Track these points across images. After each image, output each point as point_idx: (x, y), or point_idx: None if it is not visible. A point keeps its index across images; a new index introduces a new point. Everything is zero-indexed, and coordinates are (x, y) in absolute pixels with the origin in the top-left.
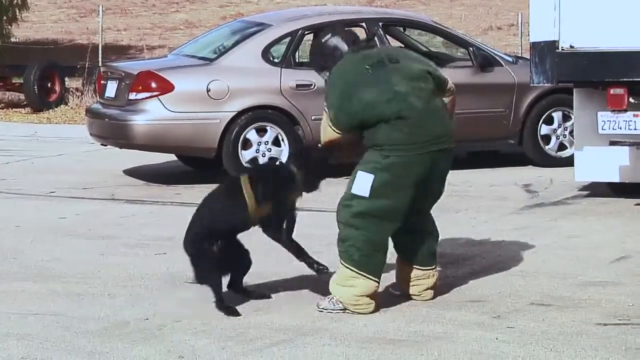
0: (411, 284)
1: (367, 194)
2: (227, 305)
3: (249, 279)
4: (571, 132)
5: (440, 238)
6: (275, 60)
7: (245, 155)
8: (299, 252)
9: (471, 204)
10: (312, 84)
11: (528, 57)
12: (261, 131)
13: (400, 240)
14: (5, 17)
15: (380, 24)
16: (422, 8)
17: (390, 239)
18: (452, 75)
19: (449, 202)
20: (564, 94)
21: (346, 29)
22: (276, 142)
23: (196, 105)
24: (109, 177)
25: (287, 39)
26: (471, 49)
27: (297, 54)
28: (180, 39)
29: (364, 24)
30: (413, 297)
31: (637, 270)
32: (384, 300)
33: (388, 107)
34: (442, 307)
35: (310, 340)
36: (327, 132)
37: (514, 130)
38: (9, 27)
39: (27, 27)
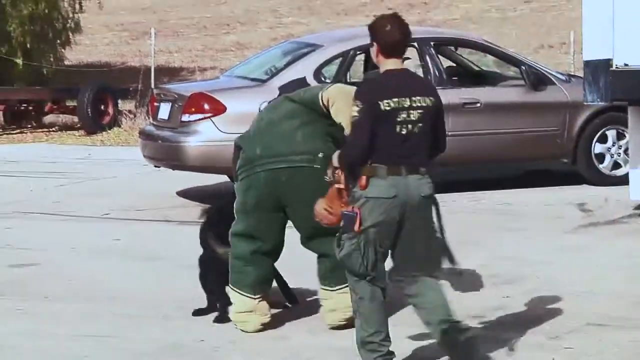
0: (321, 304)
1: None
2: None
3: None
4: (625, 151)
5: (493, 256)
6: (327, 80)
7: None
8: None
9: (525, 222)
10: None
11: (580, 75)
12: None
13: None
14: (58, 41)
15: (432, 43)
16: (473, 27)
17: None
18: (504, 94)
19: (503, 221)
20: (618, 112)
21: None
22: None
23: (248, 126)
24: (162, 198)
25: (339, 60)
26: (523, 67)
27: (348, 74)
28: (231, 61)
29: (415, 44)
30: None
31: None
32: None
33: (241, 140)
34: (497, 329)
35: None
36: None
37: (568, 149)
38: (63, 50)
39: (80, 50)
